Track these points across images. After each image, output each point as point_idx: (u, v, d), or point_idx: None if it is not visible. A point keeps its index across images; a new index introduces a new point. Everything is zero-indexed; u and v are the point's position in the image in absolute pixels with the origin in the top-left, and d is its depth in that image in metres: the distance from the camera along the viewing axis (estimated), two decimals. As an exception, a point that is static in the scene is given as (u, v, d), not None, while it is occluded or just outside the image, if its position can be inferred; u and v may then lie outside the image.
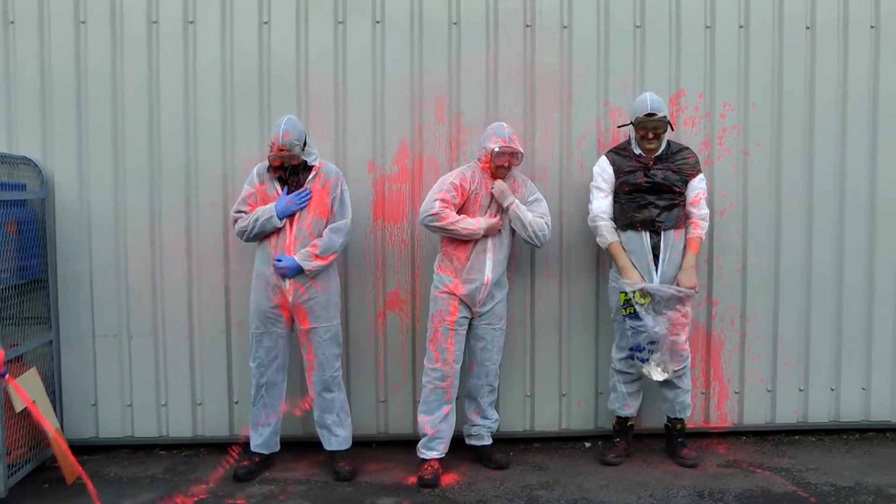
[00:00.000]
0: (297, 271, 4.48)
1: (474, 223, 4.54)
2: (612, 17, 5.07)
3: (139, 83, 4.95)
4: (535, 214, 4.69)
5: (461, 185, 4.58)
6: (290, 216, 4.52)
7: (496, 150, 4.53)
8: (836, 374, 5.26)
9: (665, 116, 4.63)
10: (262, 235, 4.55)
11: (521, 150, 4.62)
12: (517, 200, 4.63)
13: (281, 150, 4.43)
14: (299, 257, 4.47)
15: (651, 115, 4.61)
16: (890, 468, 4.79)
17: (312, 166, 4.57)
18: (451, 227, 4.51)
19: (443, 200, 4.53)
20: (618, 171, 4.73)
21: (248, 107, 4.98)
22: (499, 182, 4.63)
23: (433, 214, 4.51)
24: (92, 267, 4.99)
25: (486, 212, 4.62)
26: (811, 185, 5.17)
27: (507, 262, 4.74)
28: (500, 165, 4.58)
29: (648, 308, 4.63)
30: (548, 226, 4.72)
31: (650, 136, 4.64)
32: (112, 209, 4.97)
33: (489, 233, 4.58)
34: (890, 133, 5.18)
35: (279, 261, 4.48)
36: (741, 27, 5.12)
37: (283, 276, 4.50)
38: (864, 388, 5.27)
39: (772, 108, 5.15)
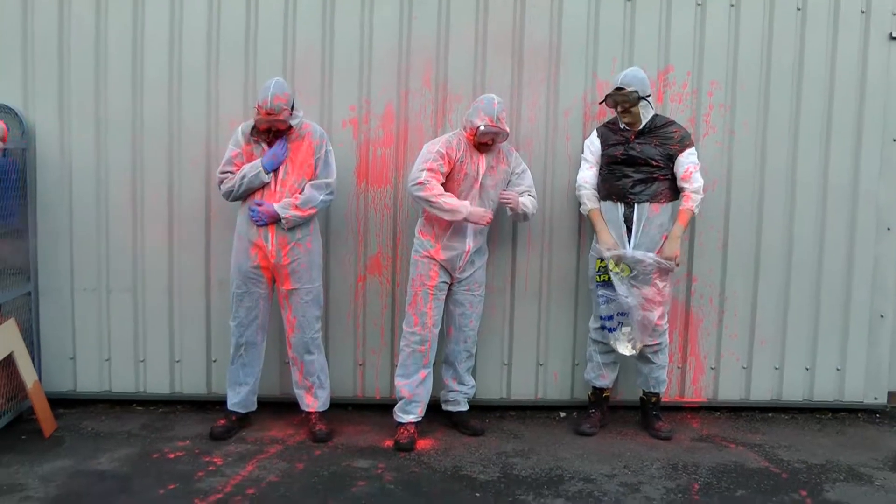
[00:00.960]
0: (274, 219, 4.47)
1: (458, 204, 4.48)
2: (605, -10, 5.07)
3: (123, 34, 4.90)
4: (521, 188, 4.71)
5: (447, 153, 4.54)
6: (275, 173, 4.50)
7: (482, 128, 4.49)
8: (812, 354, 5.30)
9: (634, 91, 4.61)
10: (249, 193, 4.53)
11: (507, 130, 4.57)
12: (520, 198, 4.65)
13: (269, 114, 4.38)
14: (278, 205, 4.46)
15: (619, 89, 4.63)
16: (861, 448, 4.84)
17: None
18: (434, 200, 4.45)
19: (430, 170, 4.49)
20: (604, 144, 4.77)
21: (233, 65, 4.94)
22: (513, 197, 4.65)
23: (419, 183, 4.47)
24: (72, 219, 4.97)
25: (472, 181, 4.59)
26: (795, 165, 5.18)
27: (487, 230, 4.75)
28: (484, 143, 4.56)
29: (624, 278, 4.66)
30: (534, 200, 4.74)
31: (619, 109, 4.66)
32: (94, 162, 4.95)
33: (470, 220, 4.52)
34: (874, 117, 5.19)
35: (259, 204, 4.47)
36: (732, 6, 5.10)
37: (258, 224, 4.49)
38: (838, 369, 5.31)
39: (759, 88, 5.13)
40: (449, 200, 4.46)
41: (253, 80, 4.88)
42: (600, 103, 4.81)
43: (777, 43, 5.14)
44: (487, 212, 4.57)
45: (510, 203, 4.64)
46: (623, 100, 4.62)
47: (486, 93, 4.76)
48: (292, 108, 4.49)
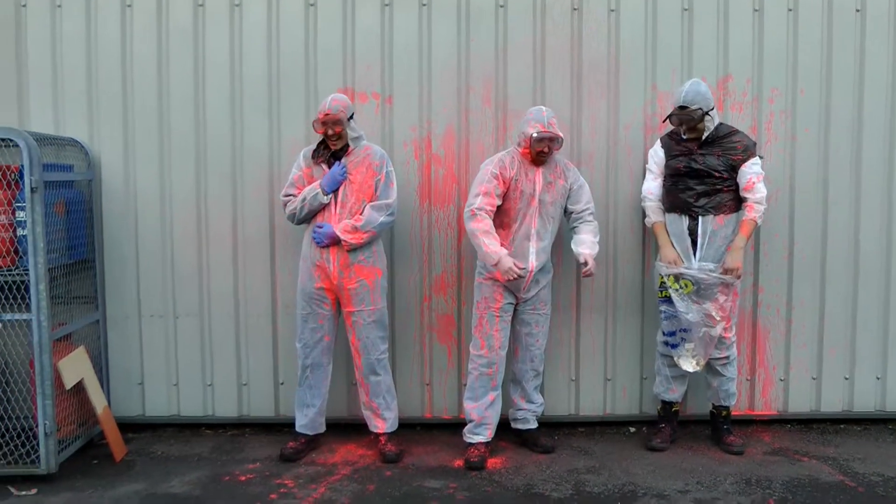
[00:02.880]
0: (334, 239, 4.49)
1: (493, 251, 4.38)
2: (660, 0, 5.01)
3: (185, 66, 4.96)
4: (580, 205, 4.67)
5: (500, 174, 4.52)
6: (336, 195, 4.52)
7: (535, 135, 4.45)
8: (882, 363, 5.21)
9: (698, 109, 4.56)
10: (311, 215, 4.56)
11: (561, 136, 4.52)
12: (586, 252, 4.59)
13: (326, 115, 4.44)
14: (339, 228, 4.48)
15: (683, 108, 4.58)
16: (938, 458, 4.75)
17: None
18: (476, 236, 4.43)
19: (484, 194, 4.47)
20: (667, 155, 4.74)
21: (293, 89, 4.97)
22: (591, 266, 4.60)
23: (471, 213, 4.48)
24: (138, 247, 5.02)
25: (529, 199, 4.55)
26: (859, 171, 5.10)
27: (551, 248, 4.70)
28: (541, 151, 4.52)
29: (684, 295, 4.61)
30: (593, 216, 4.72)
31: (683, 128, 4.62)
32: (158, 190, 5.00)
33: (499, 269, 4.41)
34: (940, 121, 5.12)
35: (320, 227, 4.50)
36: (790, 10, 5.04)
37: (320, 245, 4.51)
38: (910, 378, 5.23)
39: (820, 94, 5.07)
40: (488, 242, 4.40)
41: (314, 103, 4.89)
42: (664, 121, 4.77)
43: (837, 46, 5.07)
44: (517, 267, 4.39)
45: (590, 274, 4.62)
46: (687, 119, 4.58)
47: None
48: (351, 117, 4.53)
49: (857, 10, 5.06)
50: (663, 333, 4.80)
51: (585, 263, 4.59)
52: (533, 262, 4.59)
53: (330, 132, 4.47)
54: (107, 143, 4.98)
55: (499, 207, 4.54)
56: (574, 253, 4.64)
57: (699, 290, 4.62)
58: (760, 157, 4.69)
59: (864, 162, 5.11)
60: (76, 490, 4.26)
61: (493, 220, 4.54)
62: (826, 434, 5.16)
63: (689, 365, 4.72)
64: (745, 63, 5.05)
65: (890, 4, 5.06)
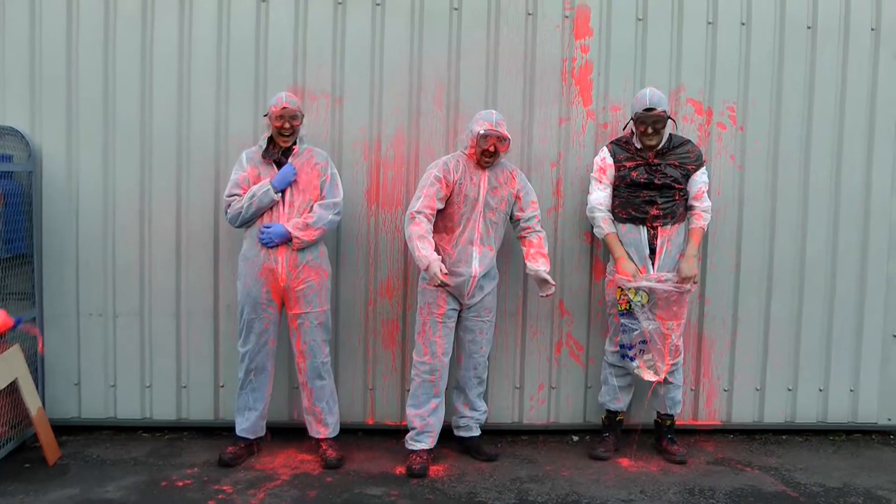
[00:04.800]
0: (284, 238, 4.42)
1: (423, 255, 4.31)
2: (615, 9, 5.01)
3: (131, 57, 4.85)
4: (528, 210, 4.63)
5: (444, 177, 4.48)
6: (283, 195, 4.47)
7: (481, 132, 4.42)
8: (825, 375, 5.26)
9: (665, 111, 4.59)
10: (259, 214, 4.48)
11: (508, 136, 4.48)
12: (539, 269, 4.54)
13: (284, 108, 4.42)
14: (290, 225, 4.43)
15: (650, 109, 4.57)
16: (878, 470, 4.80)
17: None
18: (410, 240, 4.40)
19: (425, 196, 4.44)
20: (618, 164, 4.71)
21: (242, 85, 4.89)
22: (547, 289, 4.56)
23: (410, 216, 4.44)
24: (78, 243, 4.90)
25: (473, 203, 4.51)
26: (807, 184, 5.16)
27: (496, 254, 4.66)
28: (486, 149, 4.45)
29: (643, 307, 4.61)
30: (540, 224, 4.69)
31: (649, 130, 4.61)
32: (101, 183, 4.88)
33: (428, 274, 4.35)
34: (885, 135, 5.17)
35: (267, 227, 4.43)
36: (743, 24, 5.08)
37: (268, 245, 4.44)
38: (851, 390, 5.27)
39: (770, 107, 5.11)
40: (420, 246, 4.34)
41: (262, 100, 4.83)
42: (626, 125, 4.77)
43: (788, 61, 5.11)
44: (442, 276, 4.29)
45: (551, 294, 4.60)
46: (655, 120, 4.58)
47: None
48: (302, 117, 4.53)
49: (809, 27, 5.11)
50: (619, 346, 4.77)
51: (546, 283, 4.54)
52: (476, 268, 4.54)
53: (287, 125, 4.45)
54: (49, 133, 4.84)
55: (443, 211, 4.51)
56: (532, 272, 4.58)
57: (656, 301, 4.62)
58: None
59: (811, 175, 5.16)
60: (7, 495, 4.13)
61: (437, 224, 4.51)
62: (769, 444, 5.20)
63: (650, 376, 4.70)
64: (697, 74, 5.07)
65: (839, 22, 5.12)
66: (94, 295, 4.93)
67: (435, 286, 4.41)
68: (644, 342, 4.67)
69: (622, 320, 4.70)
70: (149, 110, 4.87)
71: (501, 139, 4.46)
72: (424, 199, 4.45)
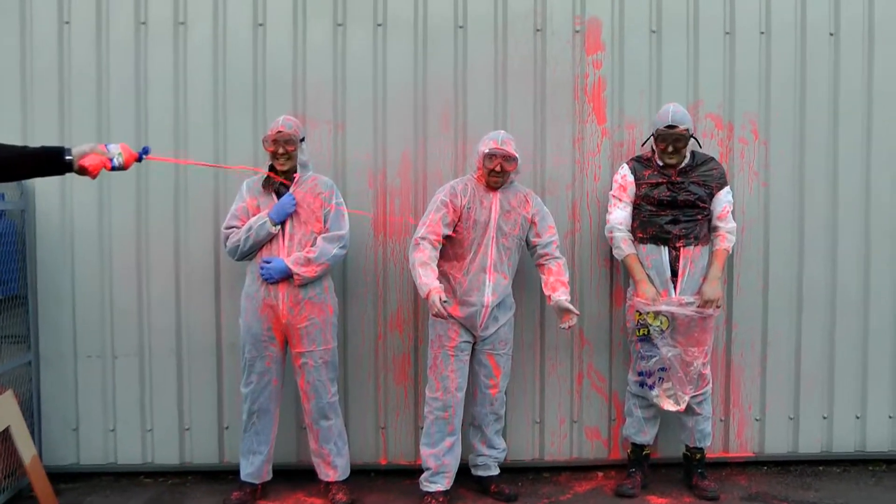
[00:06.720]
0: (285, 274, 4.21)
1: (424, 283, 4.11)
2: (628, 21, 4.81)
3: (126, 89, 4.68)
4: (545, 236, 4.40)
5: (451, 201, 4.28)
6: (283, 227, 4.27)
7: (486, 151, 4.22)
8: (862, 401, 4.98)
9: (688, 129, 4.37)
10: (257, 248, 4.28)
11: (515, 154, 4.27)
12: (560, 299, 4.27)
13: (279, 132, 4.22)
14: (290, 260, 4.21)
15: (671, 126, 4.35)
16: (922, 502, 4.51)
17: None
18: (414, 267, 4.19)
19: (431, 223, 4.25)
20: (639, 182, 4.48)
21: (241, 115, 4.70)
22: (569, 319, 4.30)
23: (414, 242, 4.25)
24: (74, 283, 4.70)
25: (483, 227, 4.30)
26: (836, 199, 4.91)
27: (511, 283, 4.43)
28: (493, 169, 4.25)
29: (662, 332, 4.36)
30: (559, 250, 4.45)
31: (670, 149, 4.38)
32: (96, 222, 4.69)
33: (428, 303, 4.14)
34: (918, 147, 4.93)
35: (268, 262, 4.22)
36: (762, 33, 4.86)
37: (269, 281, 4.23)
38: (891, 417, 4.99)
39: (794, 119, 4.88)
40: (422, 274, 4.14)
41: (262, 129, 4.61)
42: (645, 142, 4.57)
43: (811, 69, 4.89)
44: (441, 305, 4.07)
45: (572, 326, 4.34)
46: (677, 138, 4.36)
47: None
48: (302, 140, 4.33)
49: (831, 34, 4.88)
50: (638, 374, 4.54)
51: (568, 313, 4.29)
52: (489, 297, 4.30)
53: (281, 150, 4.25)
54: (41, 171, 4.65)
55: (452, 237, 4.29)
56: (553, 304, 4.33)
57: (677, 326, 4.38)
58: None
59: (840, 189, 4.91)
60: (0, 549, 3.94)
61: (447, 251, 4.31)
62: (805, 476, 4.92)
63: (670, 405, 4.46)
64: (716, 87, 4.85)
65: (863, 27, 4.89)
66: (91, 336, 4.73)
67: (432, 315, 4.18)
68: (663, 369, 4.42)
69: (639, 347, 4.47)
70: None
71: (508, 158, 4.24)
72: (429, 225, 4.25)
